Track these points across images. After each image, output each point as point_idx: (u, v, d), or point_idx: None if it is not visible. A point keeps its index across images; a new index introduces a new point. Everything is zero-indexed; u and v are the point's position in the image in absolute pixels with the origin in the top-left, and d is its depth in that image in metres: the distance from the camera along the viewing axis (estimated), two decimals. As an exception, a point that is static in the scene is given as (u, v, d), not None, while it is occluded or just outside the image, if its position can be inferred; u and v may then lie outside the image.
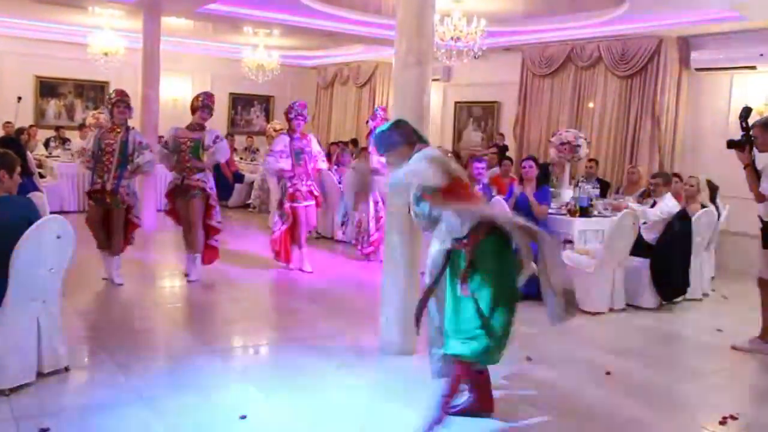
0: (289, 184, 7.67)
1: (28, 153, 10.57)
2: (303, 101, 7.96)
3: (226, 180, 12.35)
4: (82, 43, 12.22)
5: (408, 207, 4.20)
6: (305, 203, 7.75)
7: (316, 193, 7.88)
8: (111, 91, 6.97)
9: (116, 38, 12.02)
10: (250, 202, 12.76)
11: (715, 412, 4.25)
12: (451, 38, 8.80)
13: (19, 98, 11.48)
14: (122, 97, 6.64)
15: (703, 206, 7.52)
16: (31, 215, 4.06)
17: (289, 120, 7.71)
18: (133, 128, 6.79)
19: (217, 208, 7.14)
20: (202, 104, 7.01)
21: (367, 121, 9.00)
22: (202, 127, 7.03)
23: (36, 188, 6.00)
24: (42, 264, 3.99)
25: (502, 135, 12.22)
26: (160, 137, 12.88)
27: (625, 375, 4.88)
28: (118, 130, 6.62)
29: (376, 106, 9.91)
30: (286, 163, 7.58)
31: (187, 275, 7.10)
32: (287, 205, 7.66)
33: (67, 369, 4.33)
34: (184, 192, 6.92)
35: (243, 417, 3.81)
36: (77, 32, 12.49)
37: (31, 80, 13.75)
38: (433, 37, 5.18)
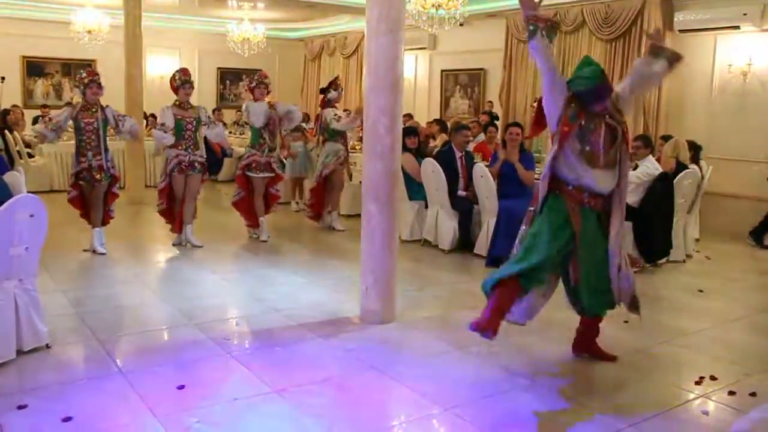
0: (247, 154, 7.84)
1: (16, 134, 10.64)
2: (263, 71, 8.04)
3: (215, 155, 12.38)
4: (67, 22, 12.18)
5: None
6: (261, 175, 7.82)
7: (274, 166, 7.90)
8: (82, 71, 6.98)
9: (100, 16, 11.98)
10: (239, 176, 12.72)
11: (692, 373, 4.30)
12: (432, 6, 8.77)
13: (3, 78, 11.39)
14: (93, 77, 6.76)
15: (685, 166, 7.56)
16: (2, 195, 4.07)
17: (251, 90, 7.79)
18: (107, 106, 6.97)
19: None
20: (182, 81, 7.23)
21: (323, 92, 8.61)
22: (190, 104, 7.28)
23: (11, 167, 6.02)
24: (16, 243, 4.00)
25: (491, 103, 12.24)
26: (151, 115, 12.97)
27: (603, 336, 4.84)
28: (94, 109, 6.79)
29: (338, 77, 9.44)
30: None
31: (189, 244, 7.44)
32: (241, 174, 7.84)
33: (48, 346, 4.32)
34: (189, 168, 7.22)
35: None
36: (62, 11, 12.42)
37: (17, 60, 13.71)
38: (404, 5, 5.13)
